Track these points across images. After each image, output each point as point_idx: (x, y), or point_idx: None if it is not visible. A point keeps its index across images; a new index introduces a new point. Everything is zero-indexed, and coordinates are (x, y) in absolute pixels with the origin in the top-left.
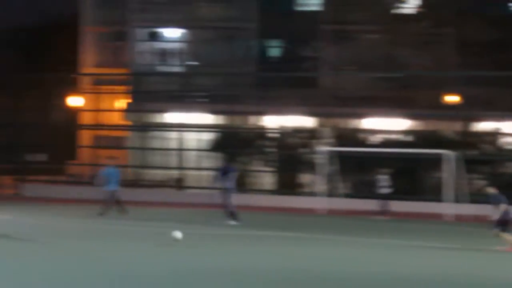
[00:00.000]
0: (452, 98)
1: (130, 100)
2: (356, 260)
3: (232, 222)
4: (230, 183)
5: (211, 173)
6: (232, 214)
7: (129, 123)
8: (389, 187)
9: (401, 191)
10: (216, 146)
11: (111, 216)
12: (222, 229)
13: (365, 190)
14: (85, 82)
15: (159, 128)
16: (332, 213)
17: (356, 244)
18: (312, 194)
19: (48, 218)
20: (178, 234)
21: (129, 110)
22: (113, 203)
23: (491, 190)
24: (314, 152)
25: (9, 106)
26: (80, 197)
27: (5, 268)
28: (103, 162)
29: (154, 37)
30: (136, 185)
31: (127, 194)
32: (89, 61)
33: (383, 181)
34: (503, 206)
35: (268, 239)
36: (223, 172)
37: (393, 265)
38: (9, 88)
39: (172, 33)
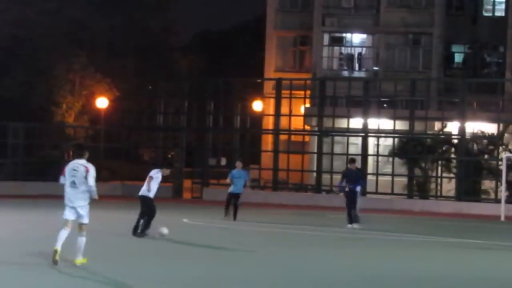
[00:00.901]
0: None
1: (312, 105)
2: None
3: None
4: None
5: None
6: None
7: (311, 127)
8: None
9: None
10: (399, 152)
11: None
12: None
13: None
14: (269, 86)
15: (341, 133)
16: None
17: None
18: (495, 201)
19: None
20: (164, 230)
21: (311, 114)
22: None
23: None
24: (498, 159)
25: (193, 110)
26: (265, 201)
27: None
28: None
29: (339, 41)
30: (318, 190)
31: (309, 199)
32: (272, 65)
33: None
34: None
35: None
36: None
37: None
38: (193, 92)
39: (357, 38)
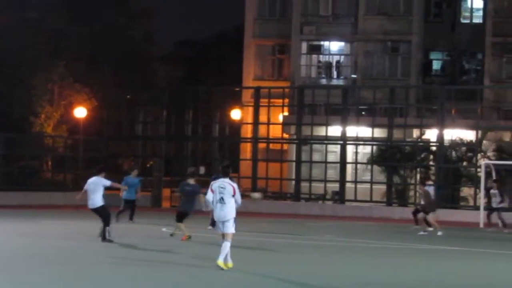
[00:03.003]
0: None
1: (290, 113)
2: None
3: None
4: None
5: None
6: None
7: (290, 136)
8: None
9: None
10: (377, 160)
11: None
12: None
13: None
14: (247, 95)
15: (319, 141)
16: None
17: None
18: (474, 208)
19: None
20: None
21: (289, 123)
22: None
23: None
24: (477, 166)
25: (172, 119)
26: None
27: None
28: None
29: (317, 50)
30: (297, 198)
31: (288, 207)
32: (251, 73)
33: None
34: None
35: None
36: None
37: None
38: (172, 101)
39: (335, 46)
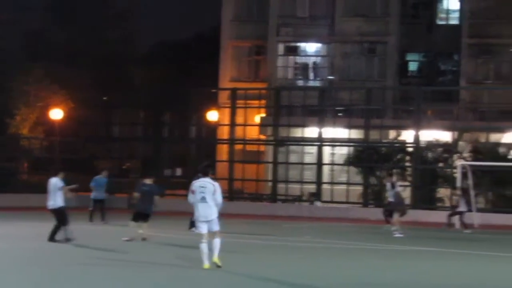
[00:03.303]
0: None
1: (267, 115)
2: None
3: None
4: None
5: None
6: None
7: (266, 137)
8: None
9: None
10: (354, 161)
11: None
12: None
13: (504, 204)
14: (224, 96)
15: (296, 143)
16: (469, 227)
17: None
18: (450, 208)
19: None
20: None
21: (266, 124)
22: None
23: None
24: (453, 167)
25: (149, 121)
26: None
27: None
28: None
29: (294, 51)
30: (273, 199)
31: (265, 208)
32: (227, 75)
33: None
34: None
35: (415, 254)
36: None
37: None
38: (149, 103)
39: (312, 47)
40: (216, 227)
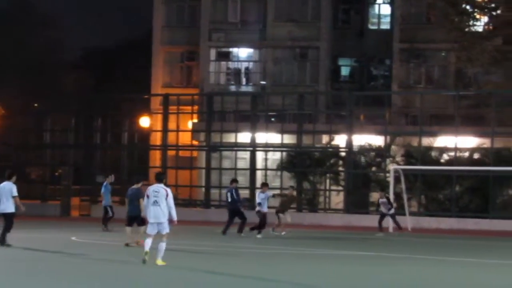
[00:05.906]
0: None
1: (200, 120)
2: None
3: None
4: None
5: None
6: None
7: (199, 143)
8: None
9: (473, 209)
10: (287, 166)
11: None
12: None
13: (436, 208)
14: (156, 102)
15: (229, 148)
16: (402, 231)
17: (429, 261)
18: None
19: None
20: None
21: (199, 130)
22: None
23: None
24: (386, 171)
25: (81, 127)
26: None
27: None
28: None
29: (226, 56)
30: (207, 205)
31: (198, 214)
32: (159, 81)
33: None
34: None
35: (347, 258)
36: None
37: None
38: (81, 109)
39: (244, 52)
40: (165, 229)
